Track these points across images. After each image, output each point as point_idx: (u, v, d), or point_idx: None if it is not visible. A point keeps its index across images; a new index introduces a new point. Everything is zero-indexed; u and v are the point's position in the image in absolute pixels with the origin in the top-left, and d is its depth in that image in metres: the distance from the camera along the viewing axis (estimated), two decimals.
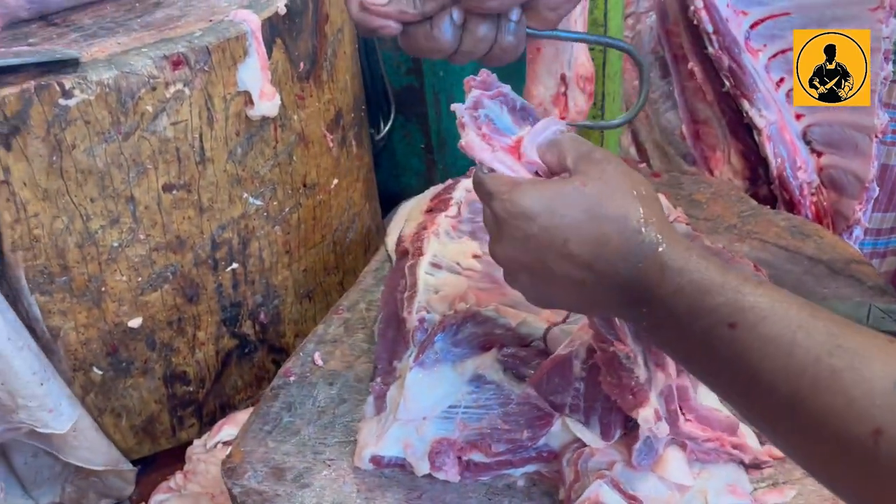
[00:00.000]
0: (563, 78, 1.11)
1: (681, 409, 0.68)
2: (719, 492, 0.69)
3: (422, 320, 0.80)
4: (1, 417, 0.84)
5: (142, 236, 0.87)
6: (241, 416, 0.96)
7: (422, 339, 0.78)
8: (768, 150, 1.13)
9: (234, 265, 0.94)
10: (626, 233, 0.52)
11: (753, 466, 0.71)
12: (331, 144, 1.03)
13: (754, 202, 1.10)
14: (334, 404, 0.81)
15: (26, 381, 0.80)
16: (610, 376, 0.67)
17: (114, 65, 0.80)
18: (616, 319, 0.64)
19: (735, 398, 0.51)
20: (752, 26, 1.16)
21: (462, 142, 0.60)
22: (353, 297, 0.98)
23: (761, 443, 0.74)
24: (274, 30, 0.90)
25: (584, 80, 1.13)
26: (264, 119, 0.91)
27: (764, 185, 1.18)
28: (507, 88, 0.64)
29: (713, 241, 0.90)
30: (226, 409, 1.01)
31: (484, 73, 0.64)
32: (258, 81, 0.87)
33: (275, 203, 0.96)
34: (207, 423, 1.00)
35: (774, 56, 1.15)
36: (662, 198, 0.84)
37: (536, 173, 0.60)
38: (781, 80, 1.16)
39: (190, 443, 1.00)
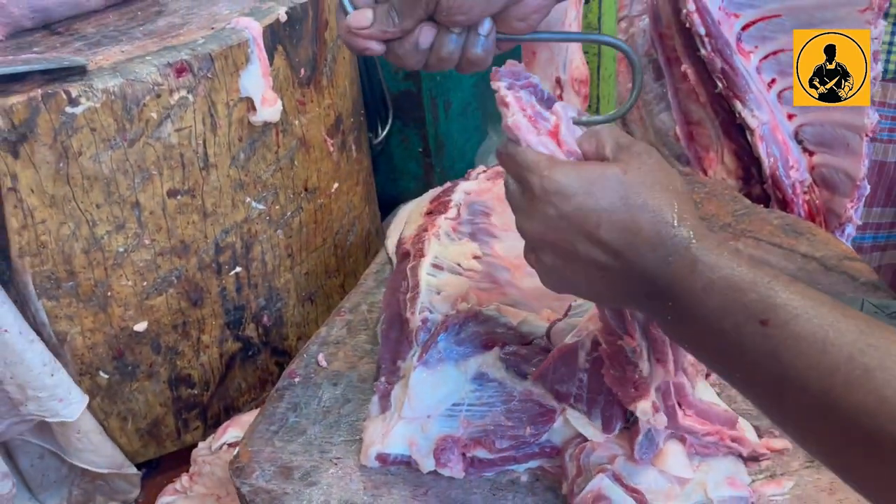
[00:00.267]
0: (557, 81, 1.12)
1: (679, 405, 0.70)
2: (718, 484, 0.70)
3: (425, 320, 0.81)
4: (10, 410, 0.85)
5: (147, 241, 0.88)
6: (246, 419, 0.97)
7: (425, 339, 0.79)
8: (761, 149, 1.15)
9: (238, 269, 0.95)
10: (660, 225, 0.52)
11: (752, 459, 0.73)
12: (331, 149, 1.04)
13: (748, 201, 1.12)
14: (339, 404, 0.83)
15: (37, 372, 0.81)
16: (614, 369, 0.68)
17: (119, 73, 0.82)
18: (627, 313, 0.64)
19: (764, 396, 0.51)
20: (743, 28, 1.18)
21: (508, 121, 0.60)
22: (354, 300, 1.00)
23: (759, 436, 0.75)
24: (275, 37, 0.92)
25: (578, 82, 1.14)
26: (266, 124, 0.92)
27: (757, 184, 1.20)
28: (536, 79, 0.65)
29: None
30: (230, 412, 1.03)
31: (512, 64, 0.65)
32: (260, 88, 0.89)
33: (277, 207, 0.98)
34: (212, 425, 1.02)
35: (766, 57, 1.17)
36: None
37: None
38: (773, 80, 1.18)
39: (195, 445, 1.01)
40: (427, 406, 0.76)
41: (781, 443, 0.74)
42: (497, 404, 0.76)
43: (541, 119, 0.62)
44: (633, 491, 0.68)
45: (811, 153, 1.18)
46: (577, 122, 0.62)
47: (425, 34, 0.61)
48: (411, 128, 1.40)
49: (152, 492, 1.00)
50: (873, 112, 1.09)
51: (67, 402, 0.89)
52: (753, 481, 0.71)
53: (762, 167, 1.16)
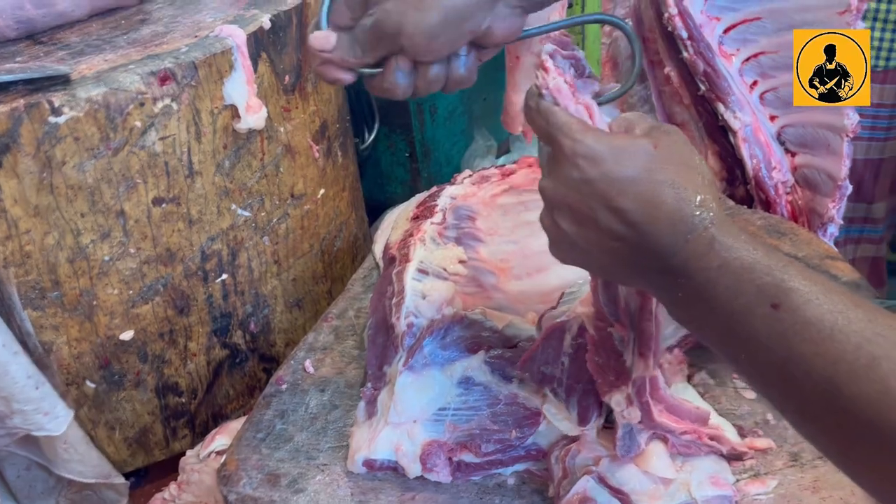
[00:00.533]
0: None
1: (652, 399, 0.70)
2: (702, 483, 0.71)
3: (410, 325, 0.82)
4: None
5: (132, 250, 0.88)
6: (234, 426, 0.97)
7: (410, 344, 0.79)
8: (744, 151, 1.16)
9: (224, 276, 0.96)
10: (683, 202, 0.52)
11: (734, 458, 0.73)
12: (316, 155, 1.05)
13: (731, 202, 1.13)
14: (326, 410, 0.83)
15: (22, 385, 0.81)
16: (598, 356, 0.68)
17: (102, 81, 0.82)
18: (621, 300, 0.64)
19: (768, 380, 0.51)
20: (725, 31, 1.19)
21: (550, 84, 0.59)
22: (341, 305, 1.00)
23: (743, 435, 0.76)
24: (259, 44, 0.92)
25: None
26: (251, 132, 0.92)
27: (741, 185, 1.21)
28: (581, 53, 0.64)
29: None
30: (218, 419, 1.03)
31: (560, 34, 0.65)
32: (244, 95, 0.89)
33: (263, 214, 0.98)
34: (200, 433, 1.01)
35: (747, 60, 1.18)
36: None
37: None
38: (755, 82, 1.19)
39: (183, 453, 1.00)
40: (413, 411, 0.76)
41: (765, 442, 0.75)
42: (483, 408, 0.77)
43: (578, 91, 0.61)
44: (617, 492, 0.69)
45: (793, 154, 1.19)
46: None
47: (402, 67, 0.61)
48: (398, 133, 1.41)
49: (141, 501, 1.00)
50: (853, 113, 1.10)
51: (53, 415, 0.88)
52: (738, 481, 0.72)
53: (745, 168, 1.17)
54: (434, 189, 1.08)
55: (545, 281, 0.92)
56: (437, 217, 1.00)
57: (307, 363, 0.89)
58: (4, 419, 0.85)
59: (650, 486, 0.69)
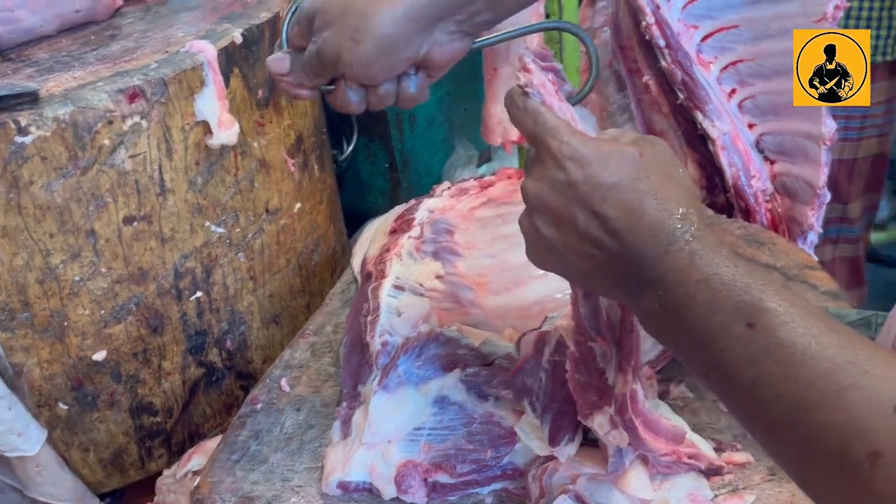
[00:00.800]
0: None
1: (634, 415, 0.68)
2: (680, 501, 0.70)
3: (384, 344, 0.81)
4: None
5: (103, 269, 0.87)
6: (211, 445, 0.96)
7: (385, 363, 0.79)
8: (723, 159, 1.16)
9: (198, 294, 0.94)
10: (665, 214, 0.51)
11: (712, 473, 0.73)
12: (292, 169, 1.04)
13: (710, 211, 1.13)
14: (302, 430, 0.82)
15: None
16: (579, 373, 0.66)
17: (69, 100, 0.80)
18: (603, 313, 0.63)
19: (738, 400, 0.51)
20: (702, 39, 1.19)
21: (535, 80, 0.58)
22: (319, 321, 0.99)
23: (721, 450, 0.76)
24: (231, 59, 0.91)
25: None
26: (224, 147, 0.91)
27: (721, 193, 1.21)
28: (560, 67, 0.65)
29: None
30: (195, 438, 1.01)
31: (540, 46, 0.64)
32: (216, 111, 0.88)
33: (237, 230, 0.97)
34: (177, 452, 1.00)
35: (725, 68, 1.18)
36: None
37: None
38: (733, 90, 1.19)
39: (160, 474, 0.99)
40: (387, 431, 0.75)
41: (743, 456, 0.75)
42: (458, 427, 0.76)
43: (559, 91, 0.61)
44: None
45: (772, 162, 1.19)
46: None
47: (351, 86, 0.64)
48: (377, 143, 1.40)
49: None
50: (830, 120, 1.10)
51: (26, 435, 0.87)
52: (716, 496, 0.71)
53: (725, 177, 1.17)
54: (412, 202, 1.07)
55: (523, 295, 0.91)
56: (415, 231, 0.99)
57: (283, 381, 0.88)
58: None
59: None
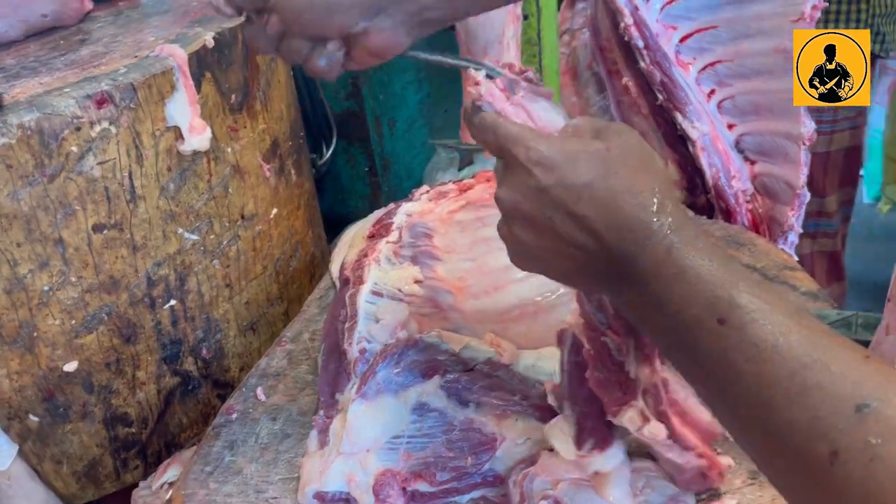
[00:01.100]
0: None
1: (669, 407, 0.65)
2: None
3: (363, 351, 0.79)
4: None
5: (73, 279, 0.85)
6: (187, 455, 0.94)
7: (363, 370, 0.77)
8: (702, 160, 1.16)
9: (172, 302, 0.93)
10: (640, 208, 0.51)
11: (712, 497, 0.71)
12: (268, 174, 1.02)
13: (691, 213, 1.12)
14: (277, 440, 0.80)
15: None
16: (597, 371, 0.64)
17: (35, 106, 0.78)
18: (609, 305, 0.62)
19: (711, 394, 0.51)
20: (681, 40, 1.18)
21: (483, 90, 0.58)
22: (296, 328, 0.97)
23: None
24: (202, 63, 0.90)
25: None
26: (196, 153, 0.90)
27: (702, 194, 1.21)
28: (533, 72, 0.65)
29: None
30: (171, 449, 0.99)
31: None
32: (187, 116, 0.86)
33: (212, 237, 0.95)
34: (153, 463, 0.98)
35: (704, 68, 1.18)
36: None
37: None
38: (712, 91, 1.19)
39: (135, 485, 0.97)
40: (366, 440, 0.74)
41: (724, 460, 0.74)
42: (438, 435, 0.75)
43: (517, 94, 0.60)
44: None
45: (752, 162, 1.19)
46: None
47: (273, 24, 0.63)
48: (356, 147, 1.38)
49: None
50: (809, 121, 1.10)
51: None
52: (698, 502, 0.71)
53: (705, 177, 1.17)
54: (391, 206, 1.06)
55: (503, 299, 0.90)
56: (393, 235, 0.97)
57: (259, 390, 0.87)
58: None
59: None
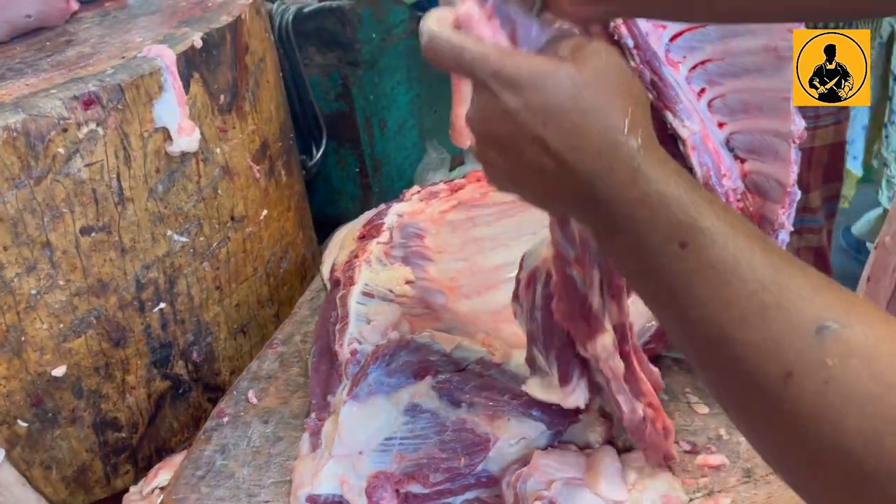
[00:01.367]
0: None
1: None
2: (654, 503, 0.69)
3: (354, 352, 0.79)
4: None
5: (61, 282, 0.84)
6: (178, 459, 0.93)
7: (355, 372, 0.77)
8: (693, 159, 1.15)
9: (162, 305, 0.92)
10: (609, 131, 0.49)
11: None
12: (257, 175, 1.01)
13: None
14: (269, 443, 0.80)
15: None
16: (563, 302, 0.63)
17: (20, 108, 0.78)
18: (577, 235, 0.61)
19: (671, 322, 0.50)
20: (671, 39, 1.18)
21: (461, 9, 0.53)
22: (287, 330, 0.97)
23: (697, 452, 0.75)
24: (190, 64, 0.89)
25: None
26: (185, 154, 0.89)
27: None
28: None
29: None
30: (162, 453, 0.99)
31: None
32: (176, 117, 0.86)
33: (201, 239, 0.94)
34: (143, 468, 0.97)
35: (694, 67, 1.18)
36: None
37: None
38: (702, 90, 1.18)
39: (126, 490, 0.96)
40: (358, 442, 0.73)
41: (718, 459, 0.74)
42: (430, 436, 0.74)
43: (500, 17, 0.54)
44: None
45: (743, 160, 1.19)
46: None
47: None
48: (347, 148, 1.38)
49: None
50: (799, 119, 1.10)
51: None
52: (691, 500, 0.71)
53: (696, 176, 1.17)
54: (382, 207, 1.05)
55: (495, 299, 0.90)
56: (384, 236, 0.97)
57: (250, 393, 0.86)
58: None
59: None
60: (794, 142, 1.11)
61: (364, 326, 0.81)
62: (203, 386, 1.00)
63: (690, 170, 1.18)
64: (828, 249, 1.74)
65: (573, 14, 0.57)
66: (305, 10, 1.28)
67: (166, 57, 0.85)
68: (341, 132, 1.36)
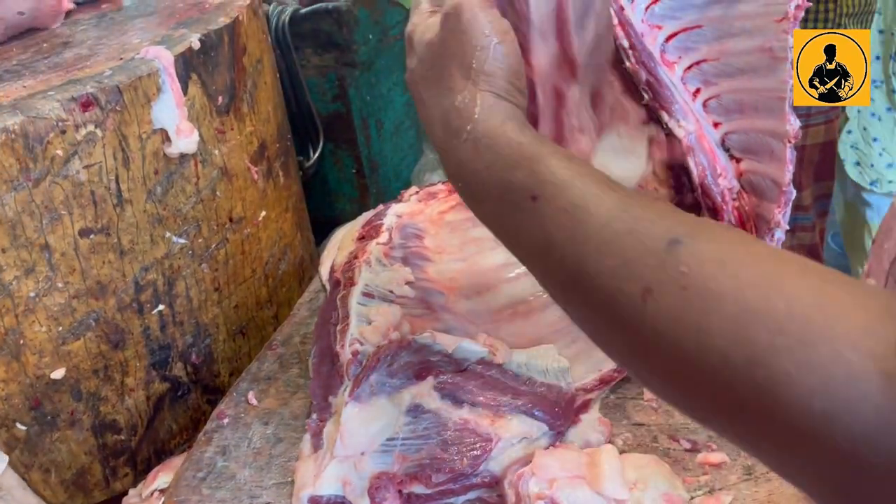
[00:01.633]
0: None
1: None
2: (655, 501, 0.69)
3: (355, 353, 0.79)
4: None
5: (60, 284, 0.83)
6: (177, 462, 0.93)
7: (356, 373, 0.77)
8: (689, 159, 1.16)
9: (161, 307, 0.92)
10: (446, 105, 0.52)
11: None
12: (256, 177, 1.01)
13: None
14: (270, 444, 0.80)
15: None
16: None
17: (18, 110, 0.77)
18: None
19: (536, 267, 0.51)
20: (666, 40, 1.18)
21: None
22: (286, 331, 0.97)
23: (697, 450, 0.75)
24: (188, 65, 0.89)
25: None
26: (183, 156, 0.89)
27: (689, 192, 1.21)
28: None
29: None
30: (161, 456, 0.98)
31: None
32: (174, 118, 0.85)
33: (200, 240, 0.94)
34: (142, 471, 0.97)
35: (690, 68, 1.18)
36: None
37: None
38: (697, 90, 1.19)
39: (125, 493, 0.96)
40: (360, 443, 0.73)
41: (718, 457, 0.74)
42: (432, 436, 0.74)
43: None
44: None
45: (738, 160, 1.19)
46: None
47: None
48: (344, 149, 1.38)
49: None
50: (794, 118, 1.11)
51: None
52: (692, 498, 0.71)
53: (692, 176, 1.17)
54: (380, 207, 1.05)
55: (495, 299, 0.90)
56: (384, 237, 0.97)
57: (250, 395, 0.86)
58: None
59: None
60: (789, 141, 1.12)
61: (365, 327, 0.81)
62: (202, 388, 1.00)
63: (686, 169, 1.19)
64: (820, 248, 1.75)
65: None
66: (302, 11, 1.29)
67: (164, 58, 0.85)
68: (338, 133, 1.36)
